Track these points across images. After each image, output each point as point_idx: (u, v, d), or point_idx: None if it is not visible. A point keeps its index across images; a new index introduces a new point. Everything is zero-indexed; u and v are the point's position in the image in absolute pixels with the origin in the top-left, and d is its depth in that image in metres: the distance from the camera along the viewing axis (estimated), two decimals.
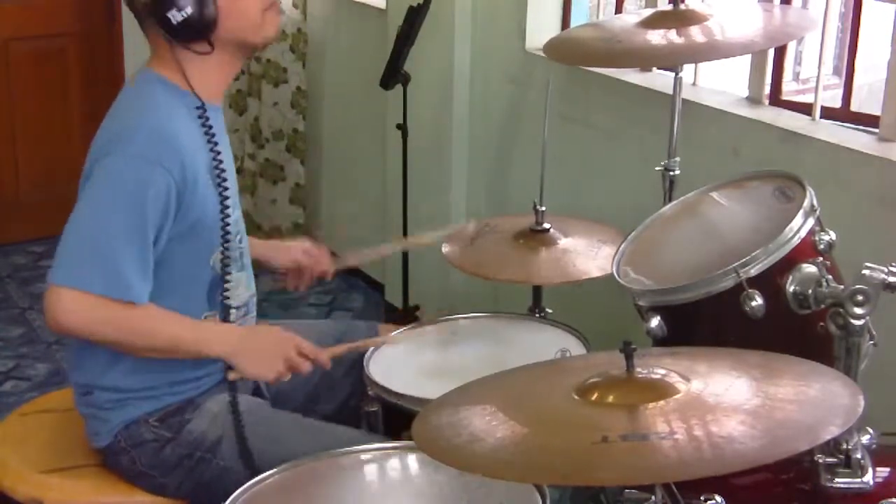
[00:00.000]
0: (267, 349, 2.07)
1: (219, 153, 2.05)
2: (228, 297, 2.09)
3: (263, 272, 2.43)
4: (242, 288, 2.18)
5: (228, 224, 2.05)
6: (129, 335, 1.99)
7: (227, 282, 2.08)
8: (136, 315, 1.98)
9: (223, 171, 2.05)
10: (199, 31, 1.99)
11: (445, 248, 2.56)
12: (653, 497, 1.57)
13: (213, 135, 2.05)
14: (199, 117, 2.04)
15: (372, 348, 2.30)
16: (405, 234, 3.55)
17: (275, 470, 1.81)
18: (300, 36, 4.30)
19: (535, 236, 2.52)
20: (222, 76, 2.10)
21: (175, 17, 1.96)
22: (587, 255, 2.45)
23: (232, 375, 2.06)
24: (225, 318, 2.11)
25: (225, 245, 2.06)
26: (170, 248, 2.01)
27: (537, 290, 2.57)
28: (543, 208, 2.52)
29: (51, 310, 1.94)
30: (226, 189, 2.05)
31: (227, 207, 2.05)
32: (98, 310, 1.94)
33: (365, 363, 2.24)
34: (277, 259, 2.44)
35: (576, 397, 1.45)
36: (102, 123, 2.05)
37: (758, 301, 1.76)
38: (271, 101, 4.37)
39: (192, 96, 2.04)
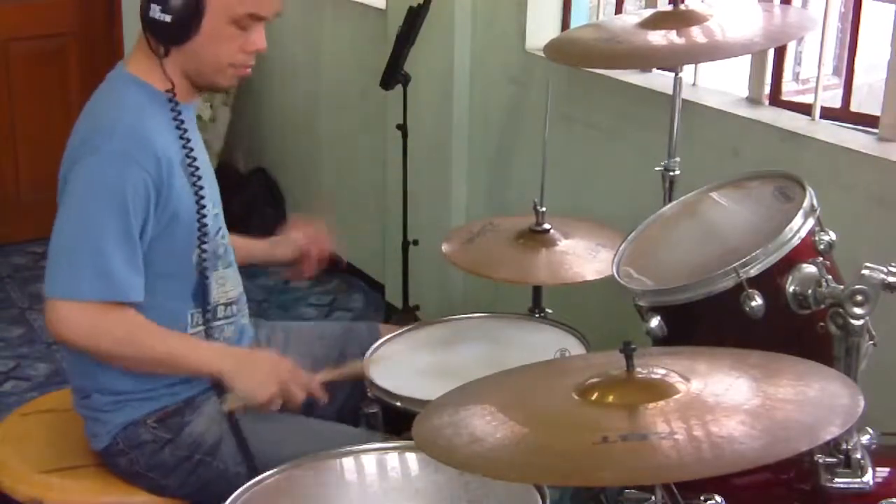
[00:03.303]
0: (263, 370, 2.06)
1: (191, 150, 2.05)
2: (208, 295, 2.09)
3: (273, 270, 2.43)
4: (230, 285, 2.18)
5: (206, 221, 2.05)
6: (127, 347, 2.01)
7: (206, 278, 2.08)
8: (135, 328, 1.99)
9: (197, 168, 2.05)
10: (166, 36, 2.01)
11: (445, 248, 2.56)
12: (653, 497, 1.57)
13: (186, 130, 2.06)
14: (172, 110, 2.05)
15: (373, 347, 2.30)
16: (405, 233, 3.55)
17: (275, 470, 1.81)
18: None
19: (536, 237, 2.51)
20: (184, 83, 2.09)
21: (156, 13, 1.99)
22: (586, 258, 2.45)
23: (229, 405, 2.05)
24: (212, 317, 2.11)
25: (202, 242, 2.06)
26: (152, 248, 2.01)
27: (537, 291, 2.57)
28: (544, 209, 2.52)
29: (52, 322, 1.96)
30: (201, 188, 2.05)
31: (204, 207, 2.05)
32: (98, 318, 1.96)
33: (365, 363, 2.24)
34: (281, 254, 2.41)
35: (576, 397, 1.45)
36: (76, 125, 2.06)
37: (758, 301, 1.76)
38: None
39: (164, 94, 2.05)
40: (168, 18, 1.98)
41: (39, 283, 4.48)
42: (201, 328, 2.12)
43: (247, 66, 2.09)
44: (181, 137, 2.05)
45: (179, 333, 2.07)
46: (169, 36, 2.01)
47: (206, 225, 2.06)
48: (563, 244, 2.50)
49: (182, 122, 2.06)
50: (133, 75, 2.07)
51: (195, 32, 2.00)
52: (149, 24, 2.01)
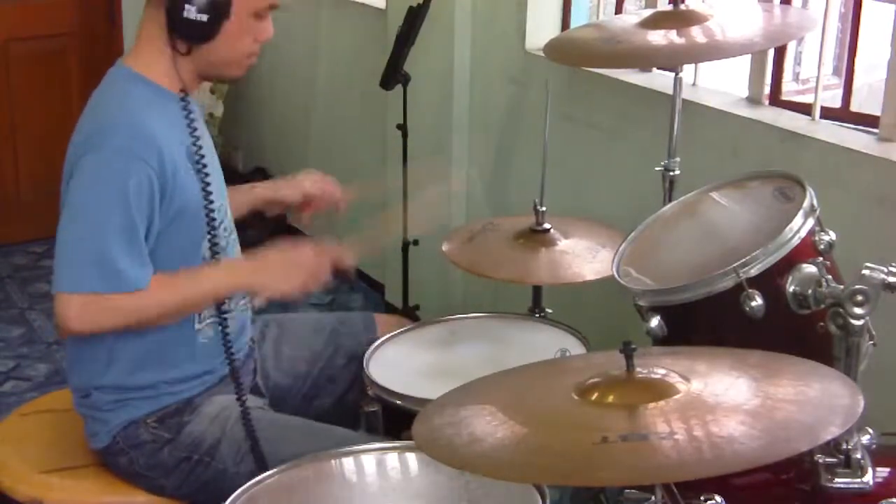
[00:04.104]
0: (284, 264, 2.07)
1: (198, 139, 2.06)
2: None
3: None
4: None
5: (213, 210, 2.05)
6: (143, 315, 2.01)
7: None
8: (143, 298, 1.99)
9: (202, 156, 2.06)
10: (197, 35, 2.02)
11: (445, 247, 2.56)
12: (653, 497, 1.56)
13: (194, 122, 2.07)
14: (184, 109, 2.06)
15: (376, 344, 2.30)
16: (405, 234, 3.55)
17: (275, 470, 1.81)
18: None
19: (536, 237, 2.52)
20: (194, 77, 2.11)
21: (191, 13, 1.99)
22: (586, 258, 2.45)
23: (257, 302, 2.07)
24: (217, 310, 2.11)
25: (212, 232, 2.06)
26: (160, 242, 2.02)
27: (537, 291, 2.57)
28: (544, 209, 2.52)
29: (62, 318, 1.95)
30: (207, 175, 2.06)
31: (210, 194, 2.05)
32: (107, 308, 1.96)
33: (365, 363, 2.24)
34: (287, 194, 2.42)
35: (576, 397, 1.45)
36: (78, 123, 2.06)
37: (758, 301, 1.76)
38: None
39: (168, 90, 2.06)
40: (205, 18, 1.99)
41: (39, 283, 4.50)
42: (208, 321, 2.12)
43: (256, 56, 2.11)
44: (192, 135, 2.05)
45: (184, 274, 2.05)
46: (200, 35, 2.02)
47: (214, 216, 2.05)
48: (563, 244, 2.51)
49: (193, 119, 2.06)
50: (136, 72, 2.06)
51: (219, 30, 2.02)
52: (180, 25, 2.00)
